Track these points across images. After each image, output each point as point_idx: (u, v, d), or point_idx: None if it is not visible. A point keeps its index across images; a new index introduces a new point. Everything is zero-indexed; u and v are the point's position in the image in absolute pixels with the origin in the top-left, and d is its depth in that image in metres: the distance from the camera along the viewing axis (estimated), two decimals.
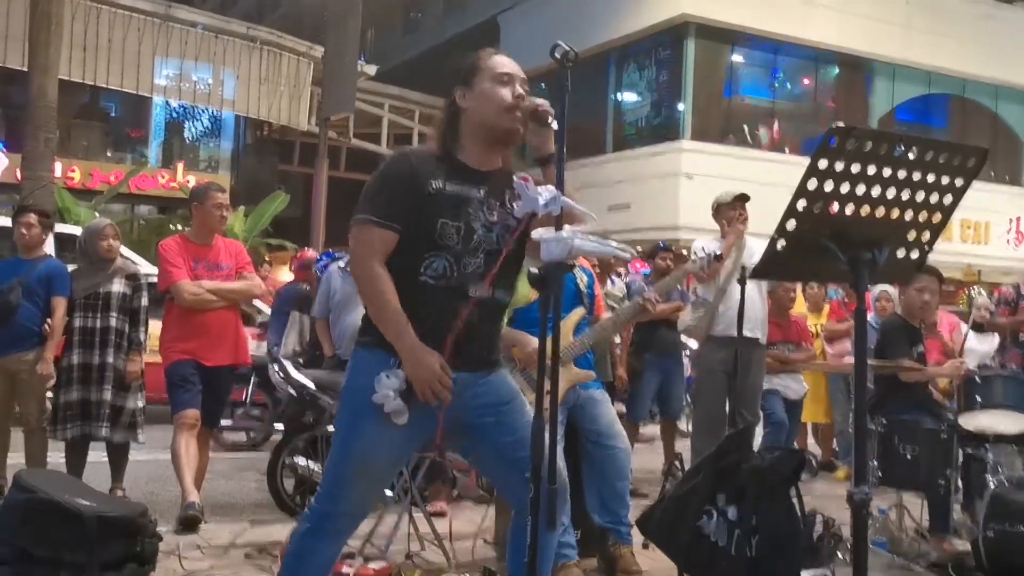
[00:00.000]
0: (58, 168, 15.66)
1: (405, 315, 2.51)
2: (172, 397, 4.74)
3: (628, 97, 21.52)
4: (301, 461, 5.03)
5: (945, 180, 2.20)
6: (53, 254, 6.95)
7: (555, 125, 2.52)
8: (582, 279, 4.29)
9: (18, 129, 14.22)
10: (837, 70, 21.47)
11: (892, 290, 7.34)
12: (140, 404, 5.22)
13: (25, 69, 11.01)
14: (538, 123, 2.58)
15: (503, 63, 2.67)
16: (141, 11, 18.08)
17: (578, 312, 4.14)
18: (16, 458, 5.17)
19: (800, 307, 7.45)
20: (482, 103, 2.63)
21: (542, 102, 2.58)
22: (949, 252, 18.46)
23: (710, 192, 6.07)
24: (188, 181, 19.62)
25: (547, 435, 2.26)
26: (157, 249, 4.93)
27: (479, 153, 2.67)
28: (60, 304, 5.11)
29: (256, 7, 34.76)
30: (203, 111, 21.96)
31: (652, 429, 8.12)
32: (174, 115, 22.40)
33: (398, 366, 2.48)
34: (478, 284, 2.55)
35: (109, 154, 22.44)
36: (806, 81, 21.45)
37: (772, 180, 12.56)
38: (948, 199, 2.24)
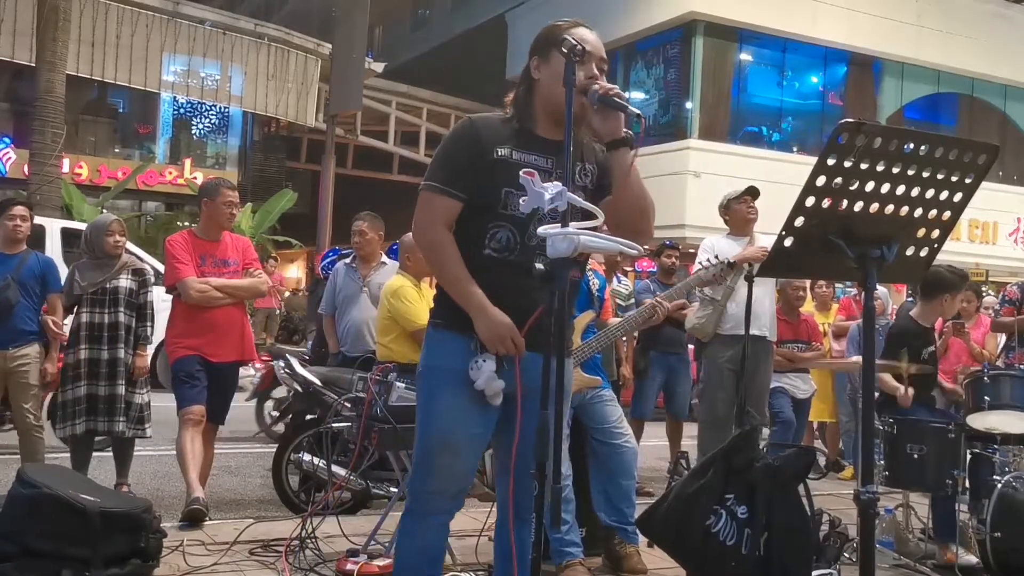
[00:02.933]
0: (66, 164, 15.72)
1: (471, 277, 2.49)
2: (178, 393, 4.74)
3: (636, 95, 21.44)
4: (306, 457, 5.02)
5: (955, 177, 2.18)
6: (60, 248, 6.96)
7: (633, 110, 2.45)
8: (594, 283, 4.29)
9: (26, 124, 14.26)
10: (846, 68, 21.39)
11: (882, 289, 7.33)
12: (147, 399, 5.22)
13: (33, 64, 11.03)
14: (609, 107, 2.47)
15: (583, 37, 2.53)
16: (149, 7, 18.12)
17: (588, 315, 4.14)
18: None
19: (808, 306, 7.42)
20: (552, 79, 2.52)
21: (613, 87, 2.47)
22: (957, 252, 18.38)
23: (717, 191, 6.04)
24: (195, 177, 19.66)
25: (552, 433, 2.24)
26: (164, 245, 4.91)
27: (548, 123, 2.59)
28: (57, 300, 5.11)
29: (264, 4, 34.81)
30: (211, 107, 21.98)
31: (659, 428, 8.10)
32: (182, 111, 22.41)
33: (482, 348, 2.49)
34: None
35: (117, 150, 22.49)
36: (814, 79, 21.38)
37: (780, 179, 12.52)
38: (958, 196, 2.22)
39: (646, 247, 2.78)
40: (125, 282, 5.17)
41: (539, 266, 2.22)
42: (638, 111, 2.46)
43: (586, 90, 2.45)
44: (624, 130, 2.50)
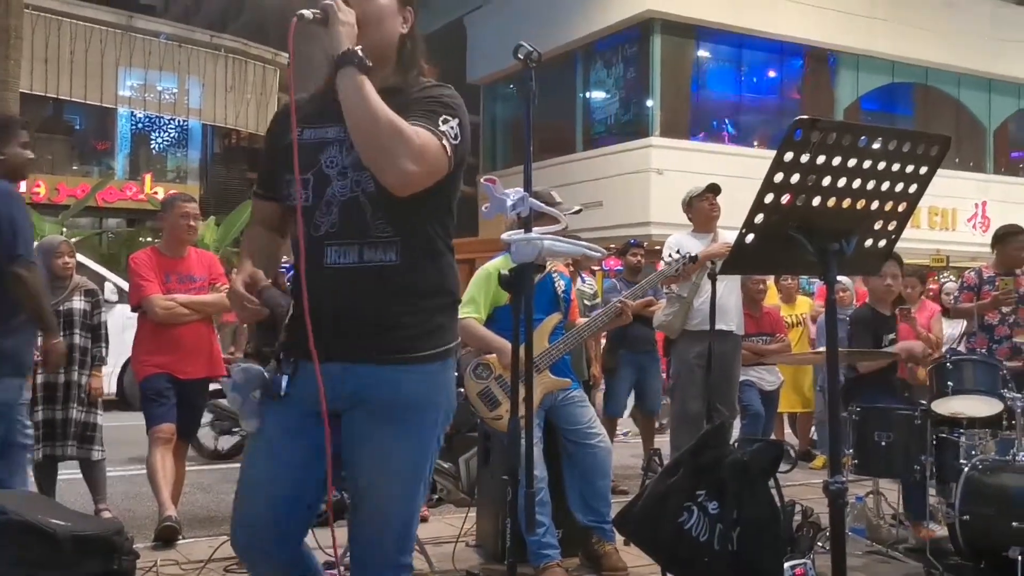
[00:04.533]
0: (23, 184, 15.48)
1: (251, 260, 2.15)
2: (147, 411, 4.69)
3: (596, 95, 21.59)
4: None
5: (910, 169, 2.22)
6: None
7: (313, 15, 2.02)
8: (559, 284, 4.29)
9: None
10: (802, 62, 21.66)
11: (846, 280, 7.44)
12: (100, 420, 5.15)
13: None
14: (323, 23, 2.04)
15: None
16: (103, 22, 17.95)
17: (554, 318, 4.15)
18: None
19: (773, 298, 7.50)
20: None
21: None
22: (917, 239, 18.69)
23: (680, 187, 6.09)
24: (156, 193, 19.47)
25: (523, 439, 2.25)
26: (128, 262, 4.86)
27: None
28: None
29: (220, 15, 34.49)
30: (169, 121, 21.80)
31: (628, 424, 8.15)
32: (140, 126, 22.20)
33: (280, 369, 2.13)
34: (337, 248, 2.07)
35: (75, 167, 22.22)
36: (772, 74, 21.63)
37: (742, 173, 12.64)
38: (913, 188, 2.26)
39: (611, 247, 2.76)
40: (78, 303, 5.10)
41: (504, 272, 2.22)
42: (315, 10, 2.02)
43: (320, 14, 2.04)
44: (349, 48, 2.01)
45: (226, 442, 7.39)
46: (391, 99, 2.02)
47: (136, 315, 4.84)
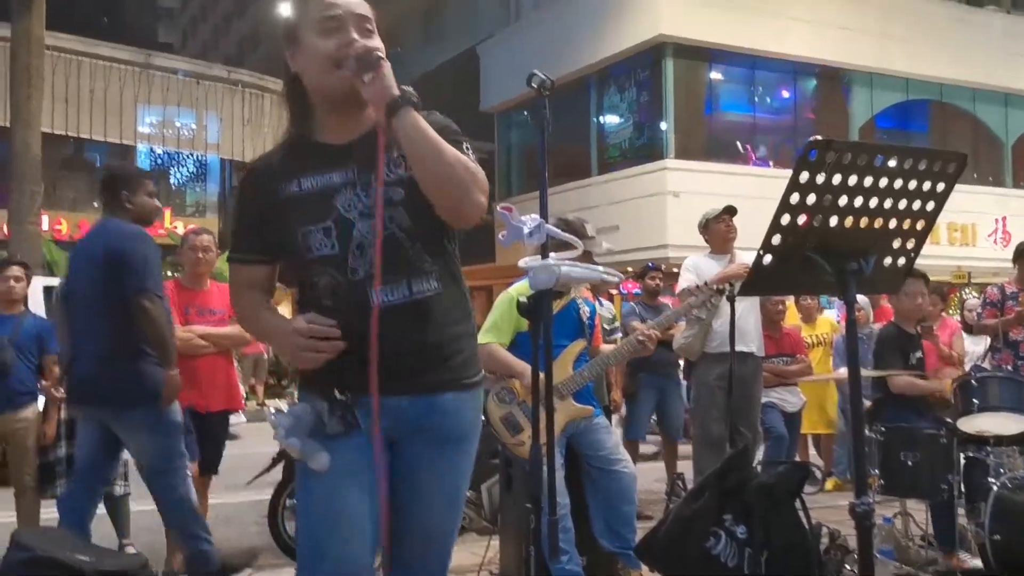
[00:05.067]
0: (45, 221, 15.68)
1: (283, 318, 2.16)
2: None
3: (610, 119, 21.63)
4: None
5: (927, 186, 2.22)
6: (43, 307, 6.93)
7: (384, 67, 2.02)
8: (584, 310, 4.28)
9: (3, 184, 14.23)
10: (815, 82, 21.65)
11: (861, 299, 7.38)
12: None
13: (7, 125, 11.03)
14: (364, 70, 2.02)
15: (331, 2, 2.09)
16: (122, 61, 18.21)
17: (578, 345, 4.14)
18: (3, 517, 5.10)
19: (794, 318, 7.46)
20: (307, 63, 2.10)
21: (371, 44, 2.07)
22: (938, 255, 18.53)
23: (697, 210, 6.09)
24: (176, 227, 19.65)
25: (545, 465, 2.25)
26: None
27: (337, 123, 2.14)
28: (54, 363, 5.07)
29: (236, 50, 34.98)
30: (188, 156, 22.04)
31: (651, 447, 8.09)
32: (159, 162, 22.46)
33: (334, 409, 2.08)
34: (383, 288, 2.05)
35: (96, 204, 22.43)
36: (785, 94, 21.62)
37: (759, 194, 12.62)
38: (931, 205, 2.25)
39: (629, 270, 2.76)
40: None
41: (522, 299, 2.23)
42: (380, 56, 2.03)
43: (341, 62, 2.05)
44: (400, 88, 2.02)
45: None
46: None
47: None
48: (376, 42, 2.08)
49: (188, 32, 55.83)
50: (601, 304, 6.64)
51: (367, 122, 2.11)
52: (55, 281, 8.81)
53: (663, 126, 19.63)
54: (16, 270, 5.19)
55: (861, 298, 7.33)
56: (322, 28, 2.07)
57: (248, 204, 2.20)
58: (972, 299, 9.41)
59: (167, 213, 21.33)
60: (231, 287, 2.26)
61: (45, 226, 15.88)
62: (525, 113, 24.41)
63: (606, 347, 4.51)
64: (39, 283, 10.70)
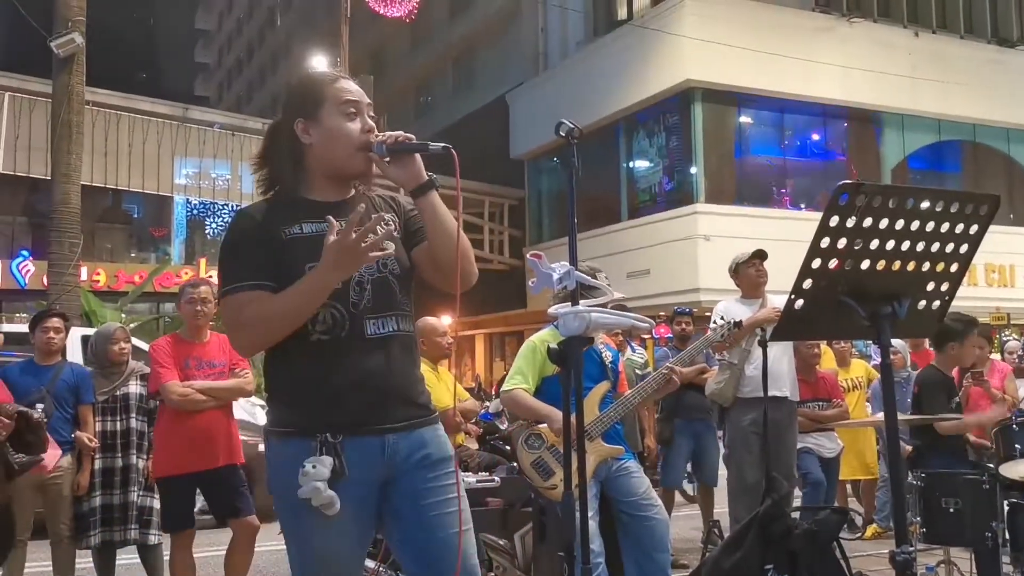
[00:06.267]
0: (84, 272, 15.96)
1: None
2: (165, 513, 4.71)
3: (640, 164, 21.73)
4: None
5: (960, 229, 2.19)
6: (81, 357, 7.01)
7: (435, 145, 2.26)
8: (607, 355, 4.31)
9: (43, 236, 14.53)
10: (845, 124, 21.62)
11: (899, 343, 7.27)
12: (157, 504, 5.10)
13: (48, 178, 11.29)
14: (402, 153, 2.26)
15: (349, 90, 2.31)
16: (159, 115, 18.64)
17: (603, 386, 4.14)
18: (34, 568, 5.09)
19: (830, 362, 7.37)
20: (329, 141, 2.29)
21: (399, 133, 2.27)
22: (976, 297, 18.30)
23: (728, 253, 6.07)
24: (211, 276, 19.87)
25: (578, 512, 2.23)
26: (149, 350, 4.86)
27: (328, 185, 2.34)
28: (89, 413, 5.11)
29: (270, 103, 35.66)
30: (223, 206, 22.39)
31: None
32: (195, 212, 22.84)
33: (321, 451, 2.13)
34: (375, 320, 2.24)
35: (133, 254, 22.87)
36: (815, 136, 21.60)
37: (791, 236, 12.57)
38: (965, 247, 2.23)
39: (661, 315, 2.76)
40: (135, 388, 5.19)
41: (553, 346, 2.23)
42: (442, 144, 2.27)
43: (369, 146, 2.27)
44: (427, 173, 2.29)
45: None
46: (394, 207, 2.43)
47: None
48: (398, 132, 2.29)
49: (224, 86, 57.11)
50: (633, 350, 6.62)
51: (351, 187, 2.39)
52: (92, 331, 8.95)
53: (693, 170, 19.67)
54: (56, 321, 5.25)
55: (897, 342, 7.24)
56: (343, 111, 2.28)
57: (253, 240, 2.24)
58: (1013, 341, 9.24)
59: (202, 262, 21.65)
60: (232, 320, 2.22)
61: (84, 277, 16.17)
62: (555, 160, 24.71)
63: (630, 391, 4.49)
64: (76, 333, 10.90)
